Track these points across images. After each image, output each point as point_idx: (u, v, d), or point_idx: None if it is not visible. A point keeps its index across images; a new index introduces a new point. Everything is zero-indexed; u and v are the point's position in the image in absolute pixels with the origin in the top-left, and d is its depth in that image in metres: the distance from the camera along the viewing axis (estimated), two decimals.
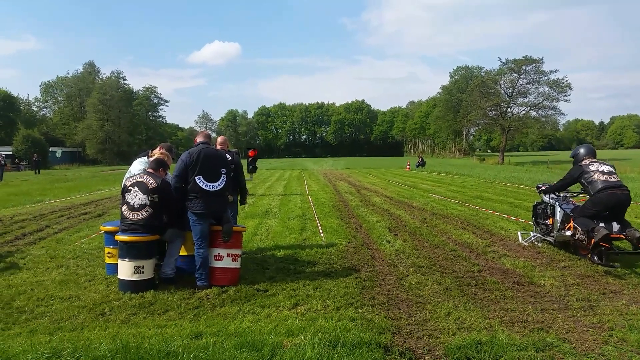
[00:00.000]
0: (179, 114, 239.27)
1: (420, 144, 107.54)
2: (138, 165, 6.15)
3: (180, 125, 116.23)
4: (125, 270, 5.35)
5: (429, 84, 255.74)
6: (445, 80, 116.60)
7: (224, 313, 4.65)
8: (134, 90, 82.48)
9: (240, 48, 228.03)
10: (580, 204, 6.81)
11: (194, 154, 5.60)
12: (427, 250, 7.51)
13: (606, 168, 6.50)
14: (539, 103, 57.57)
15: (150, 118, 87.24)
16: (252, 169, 18.47)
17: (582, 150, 6.95)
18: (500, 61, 59.80)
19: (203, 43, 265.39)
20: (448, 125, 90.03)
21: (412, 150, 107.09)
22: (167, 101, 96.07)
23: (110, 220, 7.17)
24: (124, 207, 5.57)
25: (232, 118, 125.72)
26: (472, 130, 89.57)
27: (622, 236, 6.15)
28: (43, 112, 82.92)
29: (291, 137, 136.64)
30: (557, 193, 7.51)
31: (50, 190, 19.54)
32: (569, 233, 6.77)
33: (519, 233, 8.30)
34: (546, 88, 56.88)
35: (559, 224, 7.22)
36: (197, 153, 5.60)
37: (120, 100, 74.44)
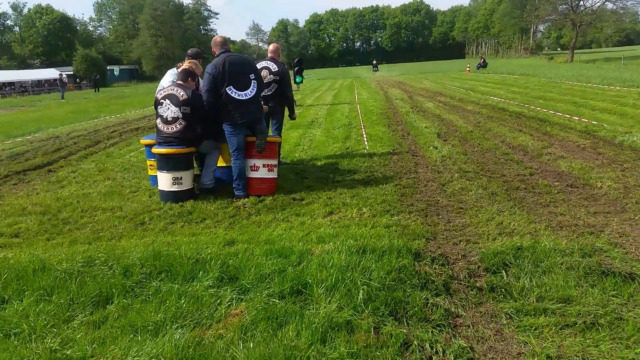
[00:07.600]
0: (228, 26, 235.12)
1: (483, 45, 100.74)
2: (168, 77, 6.02)
3: (232, 39, 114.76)
4: (165, 181, 5.42)
5: None
6: None
7: (258, 221, 4.65)
8: (184, 4, 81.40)
9: None
10: None
11: (218, 64, 5.34)
12: (477, 155, 7.11)
13: None
14: None
15: (202, 32, 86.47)
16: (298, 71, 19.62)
17: None
18: None
19: None
20: (514, 23, 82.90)
21: (474, 52, 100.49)
22: (217, 13, 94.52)
23: (151, 134, 7.23)
24: (158, 121, 5.53)
25: (283, 28, 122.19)
26: (541, 27, 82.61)
27: None
28: (99, 32, 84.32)
29: (344, 45, 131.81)
30: None
31: (107, 107, 20.21)
32: None
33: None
34: None
35: None
36: (221, 63, 5.34)
37: (172, 15, 73.87)
